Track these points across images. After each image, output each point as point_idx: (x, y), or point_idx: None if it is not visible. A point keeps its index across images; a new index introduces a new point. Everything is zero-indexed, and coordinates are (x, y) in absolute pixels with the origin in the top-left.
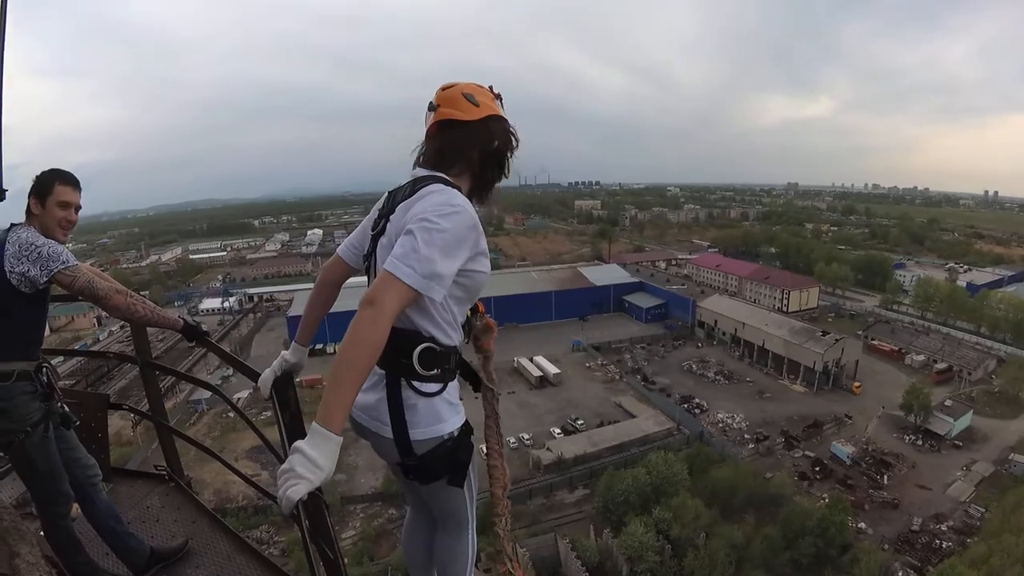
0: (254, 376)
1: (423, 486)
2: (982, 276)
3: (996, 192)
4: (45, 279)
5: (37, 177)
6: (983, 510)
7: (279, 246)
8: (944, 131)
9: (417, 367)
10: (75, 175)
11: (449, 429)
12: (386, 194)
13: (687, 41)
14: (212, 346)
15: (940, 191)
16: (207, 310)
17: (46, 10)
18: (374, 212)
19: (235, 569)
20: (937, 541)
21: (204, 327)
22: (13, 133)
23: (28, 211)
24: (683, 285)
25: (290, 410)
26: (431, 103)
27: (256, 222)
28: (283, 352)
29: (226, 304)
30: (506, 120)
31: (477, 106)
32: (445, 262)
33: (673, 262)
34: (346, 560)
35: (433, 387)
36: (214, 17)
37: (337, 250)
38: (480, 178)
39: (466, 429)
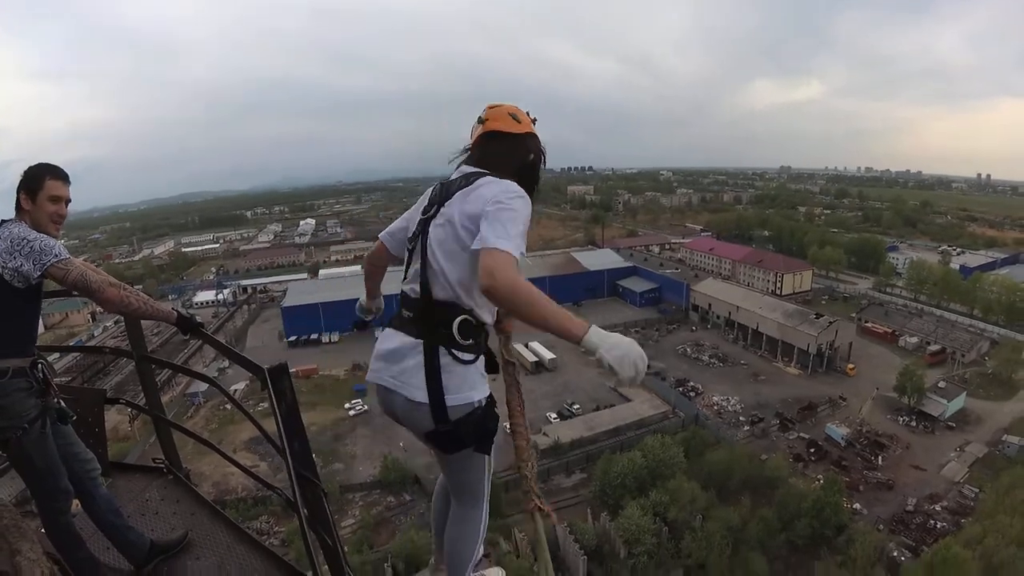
0: (249, 366)
1: (448, 456)
2: (975, 259)
3: (989, 175)
4: (38, 273)
5: (26, 172)
6: (977, 491)
7: (272, 237)
8: (937, 115)
9: (456, 336)
10: (64, 169)
11: (479, 397)
12: (438, 184)
13: (682, 29)
14: (207, 337)
15: (933, 174)
16: (201, 303)
17: (43, 11)
18: (424, 200)
19: (235, 559)
20: (932, 521)
21: (198, 319)
22: (7, 134)
23: (18, 206)
24: (677, 269)
25: (286, 400)
26: (480, 117)
27: (248, 213)
28: (360, 299)
29: (220, 296)
30: (539, 139)
31: (519, 123)
32: (523, 236)
33: (666, 246)
34: (346, 548)
35: (469, 356)
36: (214, 16)
37: (380, 236)
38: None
39: (492, 400)
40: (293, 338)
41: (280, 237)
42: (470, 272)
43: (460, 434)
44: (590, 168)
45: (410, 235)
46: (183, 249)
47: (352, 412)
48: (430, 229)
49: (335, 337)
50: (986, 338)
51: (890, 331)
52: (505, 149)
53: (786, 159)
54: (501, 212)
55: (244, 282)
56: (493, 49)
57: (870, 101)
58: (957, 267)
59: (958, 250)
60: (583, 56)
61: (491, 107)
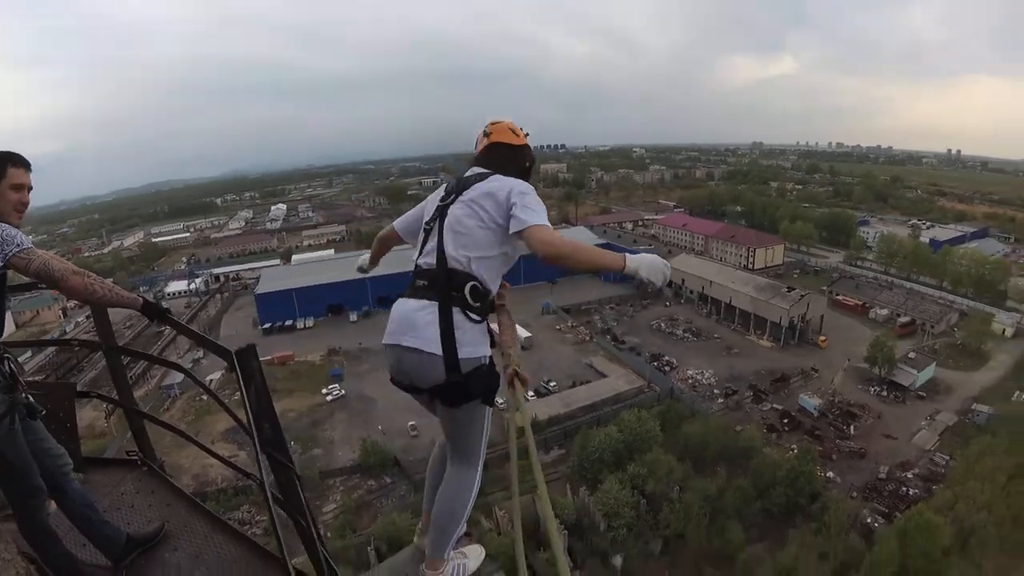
0: (216, 349)
1: (454, 409)
2: (945, 232)
3: (959, 151)
4: (0, 264)
5: None
6: (948, 458)
7: (243, 223)
8: (909, 92)
9: (468, 298)
10: (25, 157)
11: (484, 353)
12: (454, 180)
13: (658, 5)
14: (175, 323)
15: (904, 150)
16: (173, 293)
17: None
18: (440, 191)
19: (213, 549)
20: (904, 488)
21: (165, 304)
22: None
23: None
24: (650, 245)
25: (255, 382)
26: (485, 130)
27: (218, 200)
28: (364, 261)
29: (192, 286)
30: (531, 149)
31: (518, 136)
32: (546, 214)
33: (640, 223)
34: (328, 533)
35: (478, 317)
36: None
37: (394, 224)
38: None
39: (493, 361)
40: (267, 325)
41: (251, 223)
42: (482, 243)
43: (469, 386)
44: (562, 146)
45: (427, 219)
46: (153, 239)
47: (329, 397)
48: (449, 211)
49: (310, 322)
50: (955, 310)
51: (861, 303)
52: (508, 157)
53: (758, 135)
54: (526, 199)
55: (216, 270)
56: (470, 28)
57: (842, 77)
58: (927, 241)
59: (928, 224)
60: (559, 33)
61: (493, 123)
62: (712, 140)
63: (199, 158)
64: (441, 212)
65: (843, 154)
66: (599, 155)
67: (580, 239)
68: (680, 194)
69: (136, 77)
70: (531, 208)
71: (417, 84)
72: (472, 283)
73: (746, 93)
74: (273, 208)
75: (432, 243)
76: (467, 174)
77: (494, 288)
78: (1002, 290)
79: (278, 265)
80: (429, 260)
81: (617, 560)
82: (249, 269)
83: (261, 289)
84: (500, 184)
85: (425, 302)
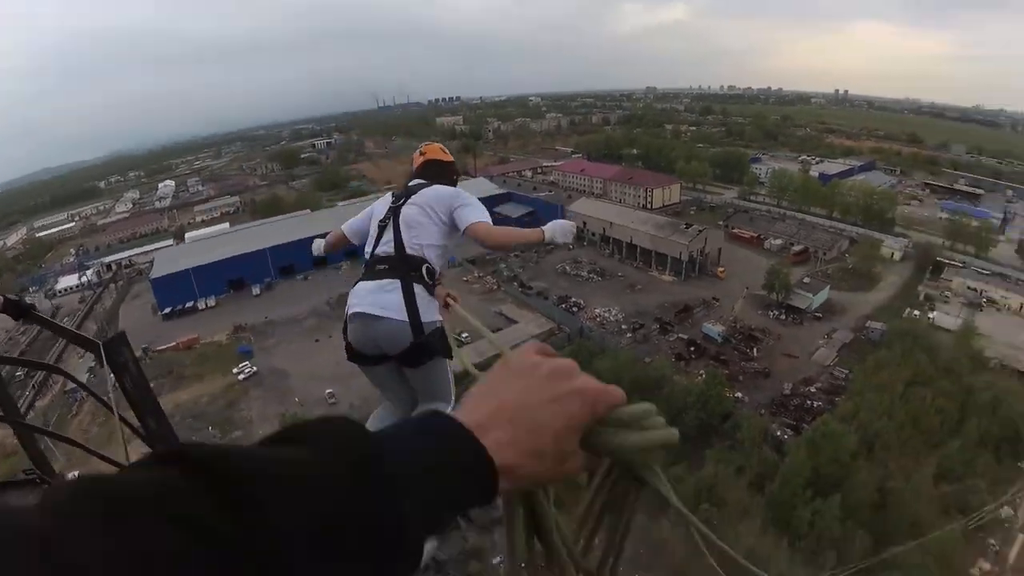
0: (82, 342)
1: (423, 366)
2: (833, 167)
3: (846, 91)
4: None
5: None
6: (847, 372)
7: (130, 205)
8: (799, 35)
9: (424, 276)
10: None
11: (438, 318)
12: (403, 188)
13: None
14: (40, 319)
15: (793, 91)
16: (64, 289)
17: None
18: (388, 198)
19: None
20: (808, 402)
21: (28, 300)
22: None
23: None
24: (550, 192)
25: (130, 373)
26: (420, 150)
27: (102, 184)
28: (319, 247)
29: (84, 279)
30: (457, 164)
31: (447, 155)
32: (485, 210)
33: (539, 170)
34: None
35: (431, 291)
36: None
37: (342, 227)
38: None
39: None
40: (168, 310)
41: (139, 204)
42: (431, 235)
43: (431, 345)
44: (457, 98)
45: (381, 218)
46: (37, 234)
47: (241, 376)
48: (402, 211)
49: (212, 301)
50: (845, 237)
51: (756, 235)
52: (438, 171)
53: (652, 80)
54: (467, 200)
55: (107, 259)
56: None
57: (733, 21)
58: (816, 175)
59: (817, 159)
60: None
61: (427, 145)
62: (607, 86)
63: (79, 140)
64: (394, 212)
65: (735, 96)
66: (495, 106)
67: (480, 190)
68: (577, 140)
69: (4, 59)
70: (471, 208)
71: (311, 45)
72: (426, 264)
73: (639, 39)
74: (161, 186)
75: (389, 236)
76: (411, 184)
77: (439, 268)
78: (890, 218)
79: (172, 245)
80: (387, 249)
81: None
82: (142, 253)
83: (156, 273)
84: (443, 191)
85: (387, 280)
